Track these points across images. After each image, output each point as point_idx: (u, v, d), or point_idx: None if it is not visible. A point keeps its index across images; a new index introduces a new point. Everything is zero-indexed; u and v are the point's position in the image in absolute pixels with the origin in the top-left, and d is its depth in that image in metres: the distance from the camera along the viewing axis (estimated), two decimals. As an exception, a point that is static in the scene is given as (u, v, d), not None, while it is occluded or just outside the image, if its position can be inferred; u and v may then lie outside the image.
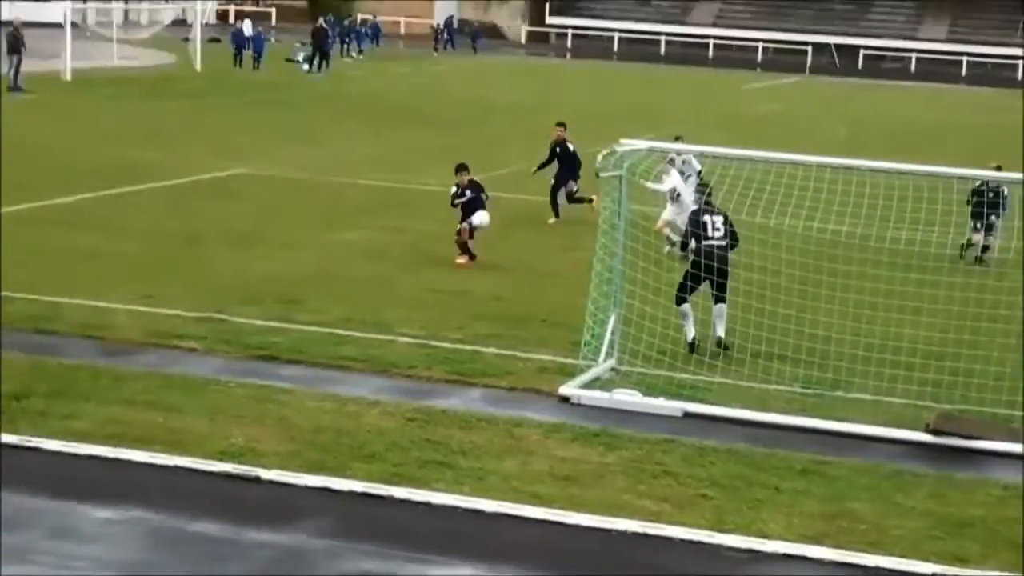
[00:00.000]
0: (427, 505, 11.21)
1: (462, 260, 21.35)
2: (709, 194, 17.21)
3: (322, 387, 14.38)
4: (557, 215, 25.62)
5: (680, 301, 16.54)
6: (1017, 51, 79.61)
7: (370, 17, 79.33)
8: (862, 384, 15.15)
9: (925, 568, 10.42)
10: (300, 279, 19.50)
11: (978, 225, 22.98)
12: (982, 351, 15.78)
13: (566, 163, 25.96)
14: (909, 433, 13.66)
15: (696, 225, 16.65)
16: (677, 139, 25.04)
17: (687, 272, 16.59)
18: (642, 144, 16.15)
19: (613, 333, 15.91)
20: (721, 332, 16.54)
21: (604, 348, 15.73)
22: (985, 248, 23.00)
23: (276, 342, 15.96)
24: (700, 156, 21.46)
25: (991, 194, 22.56)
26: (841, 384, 15.23)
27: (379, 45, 74.22)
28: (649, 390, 14.72)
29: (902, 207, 17.78)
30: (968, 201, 22.71)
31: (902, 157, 26.31)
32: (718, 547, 10.78)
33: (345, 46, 67.96)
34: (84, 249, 20.58)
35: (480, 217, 21.45)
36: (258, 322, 16.83)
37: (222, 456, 11.96)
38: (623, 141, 16.18)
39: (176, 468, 11.68)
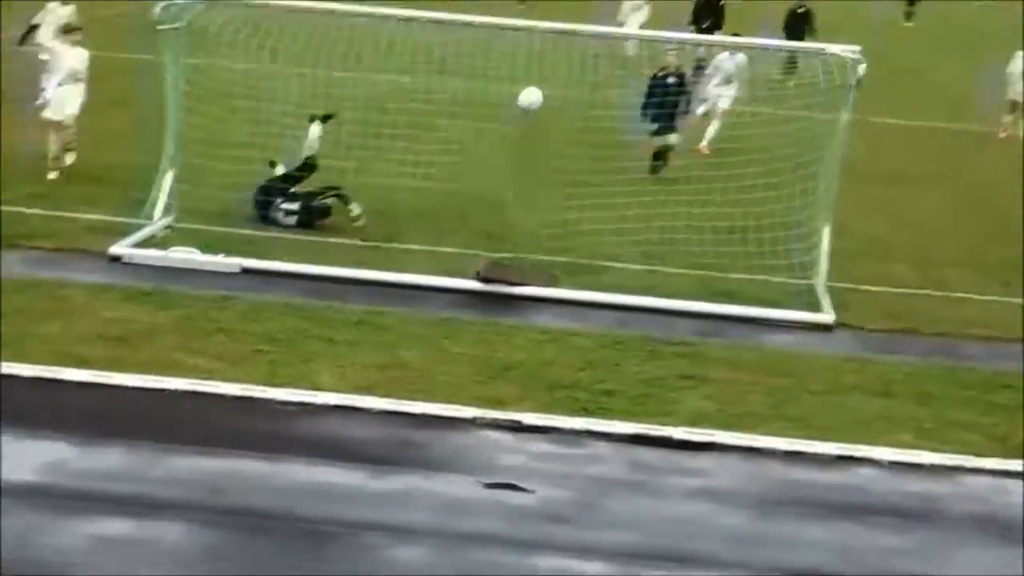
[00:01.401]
0: (-43, 376, 10.64)
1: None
2: None
3: None
4: None
5: None
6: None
7: None
8: (419, 235, 15.43)
9: (467, 412, 10.80)
10: None
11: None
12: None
13: None
14: (460, 282, 14.03)
15: None
16: None
17: None
18: (201, -3, 15.62)
19: (170, 190, 15.53)
20: None
21: (160, 205, 15.34)
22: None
23: None
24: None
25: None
26: (399, 236, 15.47)
27: None
28: (208, 247, 14.48)
29: (460, 60, 18.07)
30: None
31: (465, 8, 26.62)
32: (270, 401, 10.78)
33: None
34: None
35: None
36: None
37: None
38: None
39: None
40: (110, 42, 25.89)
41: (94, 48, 22.05)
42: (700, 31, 28.65)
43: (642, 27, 29.84)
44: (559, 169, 16.54)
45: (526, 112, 15.92)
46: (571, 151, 16.86)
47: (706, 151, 20.62)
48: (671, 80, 19.42)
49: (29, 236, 14.45)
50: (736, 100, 21.78)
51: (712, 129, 21.40)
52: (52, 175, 16.88)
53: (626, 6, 31.48)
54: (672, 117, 19.23)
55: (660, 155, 18.98)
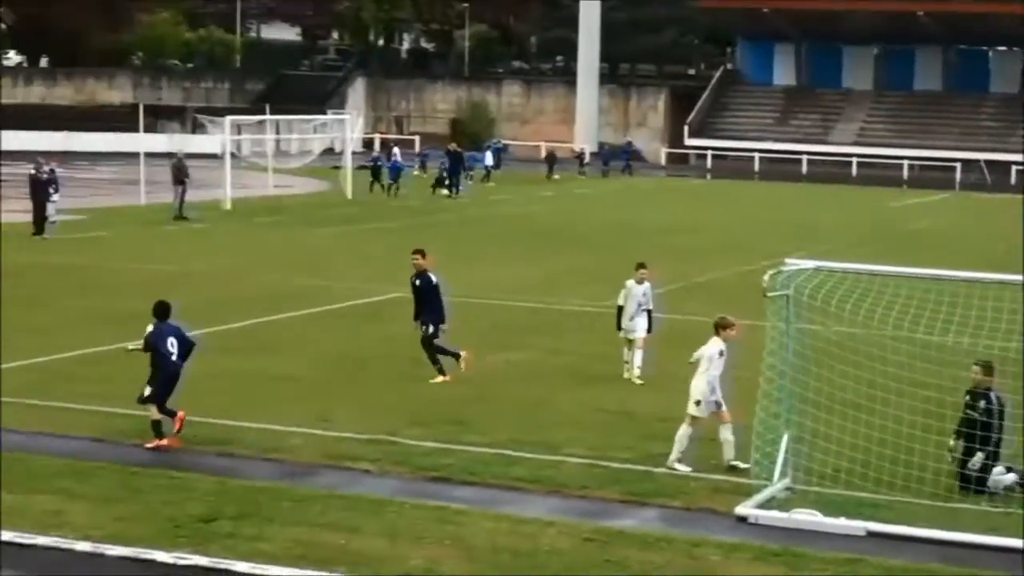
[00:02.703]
0: (613, 627, 11.10)
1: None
2: None
3: (496, 508, 14.43)
4: None
5: None
6: None
7: (495, 140, 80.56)
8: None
9: None
10: (465, 400, 19.64)
11: None
12: None
13: None
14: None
15: None
16: None
17: None
18: (808, 264, 16.07)
19: (786, 452, 15.73)
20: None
21: (778, 467, 15.54)
22: None
23: (447, 463, 16.09)
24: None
25: None
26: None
27: (498, 168, 72.83)
28: (828, 509, 14.47)
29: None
30: None
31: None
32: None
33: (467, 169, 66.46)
34: (257, 373, 21.01)
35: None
36: (428, 444, 16.98)
37: (406, 577, 12.02)
38: (788, 261, 16.12)
39: (362, 590, 11.76)
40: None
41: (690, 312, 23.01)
42: None
43: None
44: None
45: None
46: None
47: None
48: None
49: (657, 494, 15.06)
50: None
51: None
52: (638, 381, 20.97)
53: None
54: None
55: None
